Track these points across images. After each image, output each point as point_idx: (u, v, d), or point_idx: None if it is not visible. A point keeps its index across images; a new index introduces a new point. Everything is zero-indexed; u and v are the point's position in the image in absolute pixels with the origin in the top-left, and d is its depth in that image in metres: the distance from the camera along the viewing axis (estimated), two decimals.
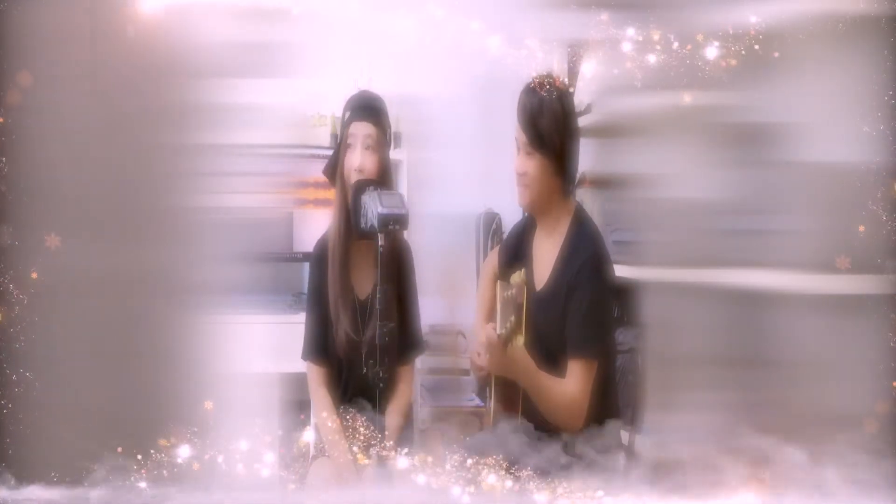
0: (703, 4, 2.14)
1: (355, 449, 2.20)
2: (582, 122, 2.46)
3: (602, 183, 3.37)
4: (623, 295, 2.60)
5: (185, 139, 2.09)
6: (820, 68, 2.07)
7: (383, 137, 2.54)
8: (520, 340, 2.22)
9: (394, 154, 2.68)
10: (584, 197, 3.40)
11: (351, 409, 2.36)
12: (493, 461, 2.05)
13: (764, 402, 2.11)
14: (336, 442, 2.43)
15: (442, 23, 2.14)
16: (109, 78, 1.99)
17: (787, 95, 2.10)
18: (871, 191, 2.03)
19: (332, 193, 2.62)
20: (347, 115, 2.55)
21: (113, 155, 2.01)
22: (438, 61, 2.38)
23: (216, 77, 2.10)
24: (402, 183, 3.66)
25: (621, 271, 2.50)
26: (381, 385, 2.10)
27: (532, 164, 2.33)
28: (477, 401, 3.65)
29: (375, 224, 2.14)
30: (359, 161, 2.48)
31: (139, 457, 1.94)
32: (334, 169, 2.56)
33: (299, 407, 2.71)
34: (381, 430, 2.16)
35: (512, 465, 2.09)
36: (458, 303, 3.66)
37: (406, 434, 2.50)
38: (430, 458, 2.04)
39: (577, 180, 2.50)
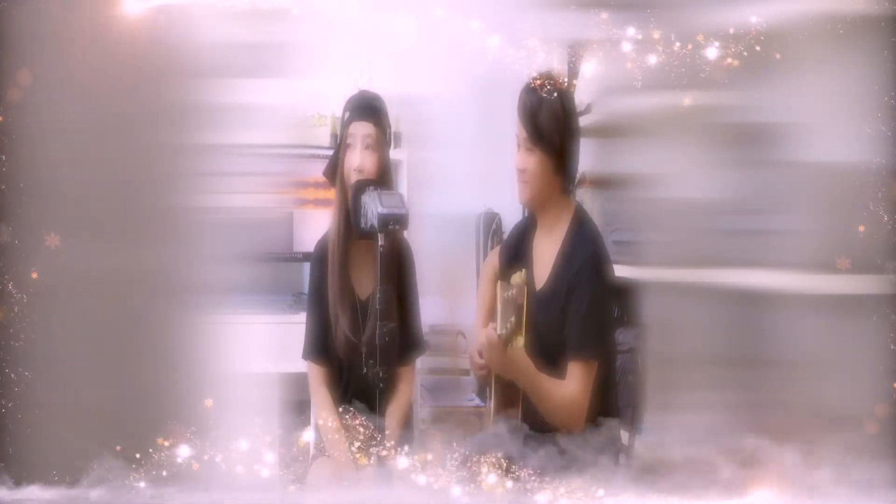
0: (704, 4, 2.14)
1: (355, 449, 2.20)
2: (582, 122, 2.45)
3: (602, 183, 3.37)
4: (623, 295, 2.60)
5: (185, 139, 2.09)
6: (820, 68, 2.07)
7: (383, 137, 2.54)
8: (520, 341, 2.22)
9: (394, 154, 2.69)
10: (584, 197, 3.40)
11: (351, 409, 2.36)
12: (494, 461, 2.05)
13: (764, 403, 2.11)
14: (336, 442, 2.43)
15: (442, 23, 2.14)
16: (109, 78, 1.99)
17: (787, 95, 2.10)
18: (872, 191, 2.03)
19: (332, 193, 2.62)
20: (347, 115, 2.55)
21: (113, 155, 2.01)
22: (438, 61, 2.38)
23: (216, 77, 2.10)
24: (402, 183, 3.66)
25: (621, 271, 2.50)
26: (381, 385, 2.10)
27: (532, 161, 2.33)
28: (477, 401, 3.65)
29: (375, 224, 2.14)
30: (359, 161, 2.48)
31: (139, 457, 1.94)
32: (334, 169, 2.56)
33: (299, 407, 2.71)
34: (381, 429, 2.16)
35: (512, 466, 2.08)
36: (458, 303, 3.66)
37: (406, 434, 2.50)
38: (430, 458, 2.04)
39: (577, 180, 2.50)
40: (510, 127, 2.39)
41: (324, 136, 3.76)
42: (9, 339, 1.92)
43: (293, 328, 2.84)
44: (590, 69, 2.33)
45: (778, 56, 2.07)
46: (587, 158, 2.74)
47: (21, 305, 1.93)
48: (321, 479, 2.42)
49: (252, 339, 2.66)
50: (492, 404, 2.39)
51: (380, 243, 2.13)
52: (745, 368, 2.15)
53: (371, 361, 2.12)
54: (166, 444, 1.94)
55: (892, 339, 2.01)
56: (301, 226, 3.68)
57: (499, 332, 2.19)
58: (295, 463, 2.29)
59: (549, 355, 2.28)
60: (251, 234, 2.33)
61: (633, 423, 2.56)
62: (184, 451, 1.95)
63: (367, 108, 2.55)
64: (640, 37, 2.12)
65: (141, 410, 1.99)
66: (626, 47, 2.15)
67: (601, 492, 2.00)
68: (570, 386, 2.25)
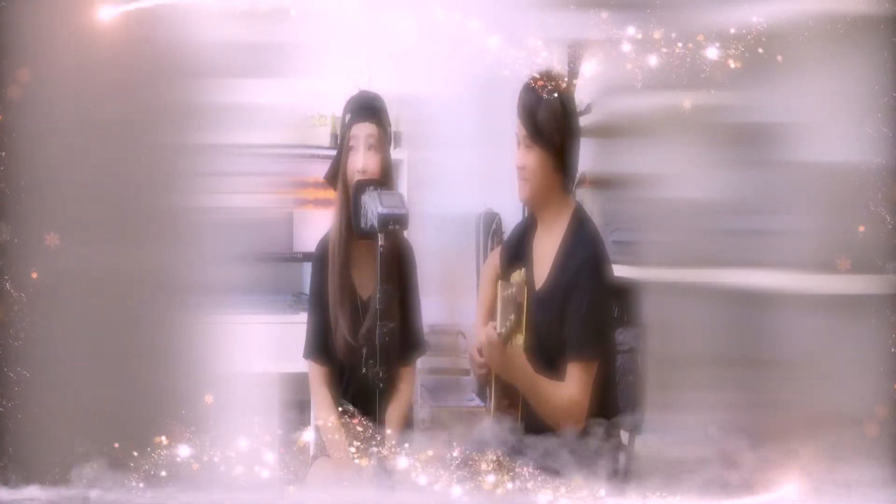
0: (704, 4, 2.14)
1: (355, 449, 2.20)
2: (582, 122, 2.46)
3: (602, 183, 3.37)
4: (623, 295, 2.60)
5: (185, 139, 2.09)
6: (820, 68, 2.07)
7: (385, 136, 2.54)
8: (519, 339, 2.22)
9: (394, 154, 2.69)
10: (584, 197, 3.40)
11: (351, 409, 2.36)
12: (494, 461, 2.05)
13: (764, 403, 2.11)
14: (336, 441, 2.43)
15: (442, 23, 2.14)
16: (109, 77, 1.99)
17: (787, 95, 2.10)
18: (872, 191, 2.03)
19: (332, 193, 2.62)
20: (348, 117, 2.55)
21: (113, 154, 2.01)
22: (438, 61, 2.38)
23: (216, 77, 2.10)
24: (402, 183, 3.66)
25: (621, 271, 2.50)
26: (381, 385, 2.10)
27: (531, 158, 2.33)
28: (477, 401, 3.65)
29: (375, 224, 2.14)
30: (362, 162, 2.48)
31: (139, 457, 1.93)
32: (336, 172, 2.56)
33: (299, 407, 2.71)
34: (382, 429, 2.15)
35: (512, 466, 2.08)
36: (458, 303, 3.66)
37: (406, 434, 2.50)
38: (429, 458, 2.04)
39: (577, 180, 2.50)
40: (510, 127, 2.39)
41: (324, 136, 3.76)
42: (8, 338, 1.92)
43: (293, 328, 2.85)
44: (590, 69, 2.33)
45: (779, 57, 2.07)
46: (587, 158, 2.74)
47: (20, 304, 1.92)
48: (321, 479, 2.42)
49: (252, 339, 2.66)
50: (492, 404, 2.39)
51: (380, 243, 2.13)
52: (745, 368, 2.15)
53: (371, 361, 2.12)
54: (166, 444, 1.94)
55: (892, 340, 2.01)
56: (301, 226, 3.69)
57: (498, 330, 2.19)
58: (295, 463, 2.29)
59: (550, 355, 2.28)
60: (251, 234, 2.33)
61: (633, 423, 2.56)
62: (184, 451, 1.95)
63: (369, 109, 2.55)
64: (639, 36, 2.12)
65: (141, 410, 1.99)
66: (626, 47, 2.15)
67: (602, 491, 2.00)
68: (570, 388, 2.25)
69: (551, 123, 2.31)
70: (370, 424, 2.17)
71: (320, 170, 2.65)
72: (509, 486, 2.02)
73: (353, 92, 2.63)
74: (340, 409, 2.49)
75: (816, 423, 2.02)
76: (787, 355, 2.08)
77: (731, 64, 2.08)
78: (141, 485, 1.92)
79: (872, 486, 1.97)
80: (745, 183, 2.18)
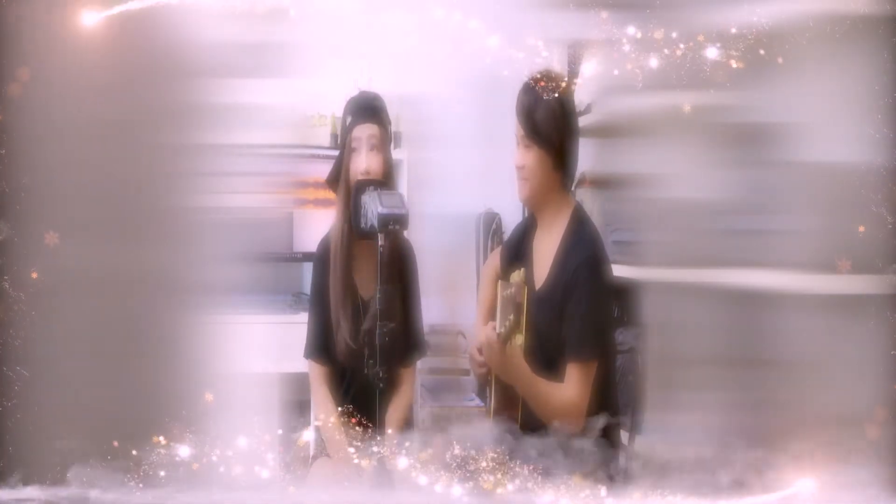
0: (704, 4, 2.14)
1: (355, 449, 2.20)
2: (582, 122, 2.46)
3: (602, 183, 3.37)
4: (623, 295, 2.60)
5: (185, 139, 2.09)
6: (820, 68, 2.06)
7: (386, 135, 2.55)
8: (519, 339, 2.22)
9: (394, 154, 2.69)
10: (584, 197, 3.40)
11: (352, 409, 2.36)
12: (494, 461, 2.05)
13: (763, 403, 2.11)
14: (337, 441, 2.43)
15: (442, 22, 2.14)
16: (109, 77, 1.99)
17: (787, 95, 2.10)
18: (872, 191, 2.02)
19: (332, 193, 2.62)
20: (349, 119, 2.55)
21: (113, 154, 2.01)
22: (438, 61, 2.38)
23: (216, 77, 2.10)
24: (402, 183, 3.66)
25: (621, 271, 2.50)
26: (382, 385, 2.10)
27: (530, 157, 2.34)
28: (477, 401, 3.65)
29: (375, 224, 2.14)
30: (365, 164, 2.48)
31: (138, 457, 1.93)
32: (338, 175, 2.55)
33: (299, 407, 2.71)
34: (382, 429, 2.16)
35: (513, 466, 2.08)
36: (458, 303, 3.66)
37: (406, 434, 2.50)
38: (429, 458, 2.04)
39: (576, 179, 2.50)
40: (510, 127, 2.40)
41: (324, 136, 3.76)
42: (7, 337, 1.92)
43: (293, 328, 2.85)
44: (590, 69, 2.33)
45: (779, 59, 2.07)
46: (587, 158, 2.74)
47: (20, 303, 1.92)
48: (321, 479, 2.42)
49: (252, 339, 2.66)
50: (492, 404, 2.39)
51: (380, 243, 2.13)
52: (745, 368, 2.15)
53: (371, 361, 2.12)
54: (165, 444, 1.94)
55: (892, 341, 2.01)
56: (301, 226, 3.68)
57: (498, 330, 2.19)
58: (295, 463, 2.29)
59: (549, 355, 2.28)
60: (251, 234, 2.33)
61: (633, 423, 2.56)
62: (183, 451, 1.95)
63: (369, 109, 2.55)
64: (639, 36, 2.12)
65: (140, 410, 1.99)
66: (626, 47, 2.14)
67: (602, 491, 2.00)
68: (569, 390, 2.25)
69: (549, 123, 2.31)
70: (370, 424, 2.17)
71: (320, 170, 2.65)
72: (509, 486, 2.02)
73: (353, 93, 2.63)
74: (341, 408, 2.49)
75: (816, 424, 2.02)
76: (787, 355, 2.08)
77: (732, 64, 2.08)
78: (140, 485, 1.92)
79: (872, 487, 1.97)
80: (745, 183, 2.18)
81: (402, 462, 2.02)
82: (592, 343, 2.28)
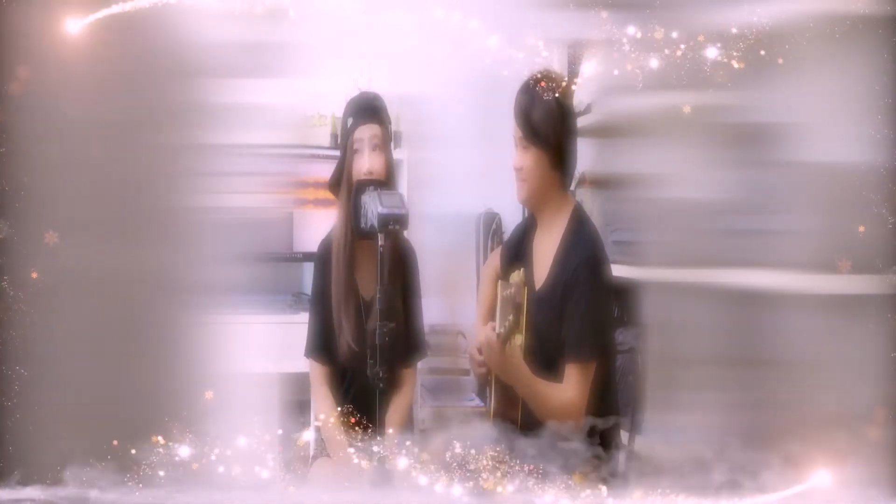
0: (704, 4, 2.14)
1: (355, 449, 2.20)
2: (582, 122, 2.46)
3: (602, 183, 3.37)
4: (623, 295, 2.59)
5: (185, 139, 2.09)
6: (820, 69, 2.06)
7: (387, 135, 2.55)
8: (518, 340, 2.22)
9: (394, 154, 2.69)
10: (584, 197, 3.40)
11: (352, 409, 2.36)
12: (494, 461, 2.05)
13: (763, 403, 2.11)
14: (337, 441, 2.43)
15: (442, 22, 2.14)
16: (109, 76, 1.99)
17: (787, 95, 2.10)
18: (872, 191, 2.02)
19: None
20: (350, 121, 2.54)
21: (113, 154, 2.01)
22: (438, 61, 2.38)
23: (216, 77, 2.10)
24: (402, 183, 3.66)
25: (621, 271, 2.50)
26: (382, 385, 2.10)
27: (528, 158, 2.34)
28: (477, 401, 3.65)
29: (375, 224, 2.14)
30: (368, 164, 2.48)
31: (138, 457, 1.93)
32: (340, 178, 2.55)
33: (299, 407, 2.71)
34: (382, 430, 2.15)
35: (513, 466, 2.08)
36: (458, 303, 3.66)
37: (406, 434, 2.50)
38: (429, 459, 2.04)
39: (576, 179, 2.50)
40: (510, 127, 2.39)
41: (324, 136, 3.76)
42: (7, 337, 1.92)
43: (293, 328, 2.85)
44: (590, 69, 2.33)
45: (779, 59, 2.07)
46: (587, 158, 2.74)
47: (20, 303, 1.92)
48: (321, 479, 2.42)
49: (252, 339, 2.66)
50: (491, 404, 2.39)
51: (380, 243, 2.13)
52: (745, 368, 2.15)
53: (371, 361, 2.12)
54: (165, 443, 1.94)
55: (893, 341, 2.01)
56: (301, 226, 3.68)
57: (497, 330, 2.19)
58: (295, 463, 2.29)
59: (549, 355, 2.28)
60: (251, 234, 2.33)
61: (633, 423, 2.56)
62: (183, 451, 1.95)
63: (370, 110, 2.55)
64: (639, 36, 2.12)
65: (140, 410, 1.99)
66: (626, 47, 2.14)
67: (603, 491, 2.00)
68: (568, 390, 2.25)
69: (547, 123, 2.31)
70: (371, 424, 2.17)
71: (320, 170, 2.66)
72: (509, 486, 2.02)
73: (353, 93, 2.63)
74: (341, 408, 2.48)
75: (816, 424, 2.02)
76: (787, 355, 2.08)
77: (732, 64, 2.07)
78: (140, 485, 1.92)
79: (872, 487, 1.97)
80: (745, 183, 2.18)
81: (402, 462, 2.02)
82: (592, 343, 2.28)
